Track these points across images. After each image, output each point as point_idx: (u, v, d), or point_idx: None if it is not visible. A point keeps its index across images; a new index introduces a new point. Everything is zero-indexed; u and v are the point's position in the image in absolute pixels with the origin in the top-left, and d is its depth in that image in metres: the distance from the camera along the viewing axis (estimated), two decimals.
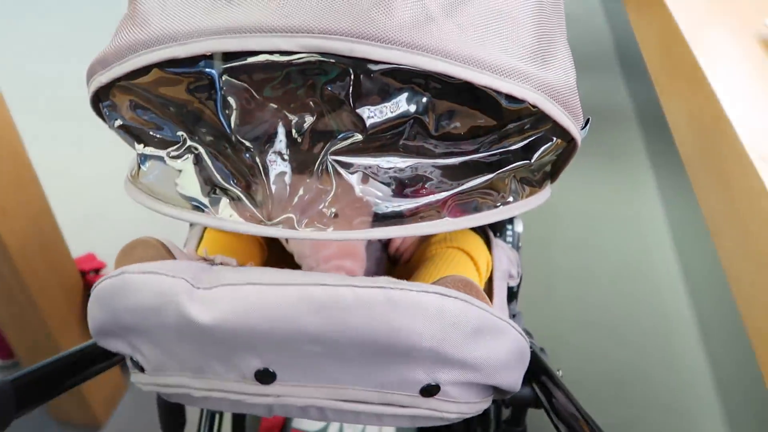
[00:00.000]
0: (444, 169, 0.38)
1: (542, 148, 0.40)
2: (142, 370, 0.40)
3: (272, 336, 0.34)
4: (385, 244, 0.60)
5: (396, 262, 0.63)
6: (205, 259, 0.49)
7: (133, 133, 0.42)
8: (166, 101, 0.39)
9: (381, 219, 0.38)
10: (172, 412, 0.60)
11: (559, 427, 0.41)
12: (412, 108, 0.36)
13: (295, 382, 0.37)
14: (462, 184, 0.38)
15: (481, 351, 0.36)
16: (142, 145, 0.41)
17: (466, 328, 0.35)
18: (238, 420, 0.81)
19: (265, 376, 0.36)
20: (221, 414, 0.78)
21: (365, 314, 0.33)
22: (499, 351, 0.37)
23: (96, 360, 0.47)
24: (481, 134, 0.38)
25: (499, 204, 0.40)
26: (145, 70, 0.37)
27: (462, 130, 0.37)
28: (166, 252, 0.44)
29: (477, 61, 0.34)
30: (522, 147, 0.39)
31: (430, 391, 0.37)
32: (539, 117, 0.38)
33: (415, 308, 0.33)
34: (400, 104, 0.36)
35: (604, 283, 1.42)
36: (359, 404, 0.38)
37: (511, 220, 0.64)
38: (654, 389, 1.20)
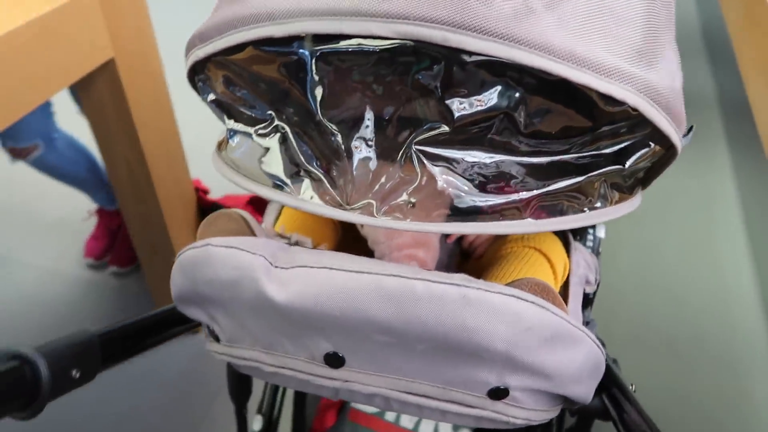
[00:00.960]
0: (530, 168, 0.37)
1: (638, 154, 0.38)
2: (217, 339, 0.41)
3: (343, 321, 0.34)
4: (460, 237, 0.59)
5: (469, 256, 0.62)
6: (281, 236, 0.50)
7: (224, 108, 0.43)
8: (258, 79, 0.39)
9: (459, 213, 0.37)
10: (240, 382, 0.63)
11: None
12: (504, 103, 0.35)
13: (363, 369, 0.37)
14: (548, 185, 0.37)
15: (555, 359, 0.35)
16: (232, 120, 0.43)
17: (541, 335, 0.33)
18: (300, 394, 0.83)
19: (333, 360, 0.37)
20: (284, 388, 0.80)
21: (437, 310, 0.33)
22: (573, 361, 0.36)
23: (175, 323, 0.50)
24: (573, 134, 0.36)
25: (585, 209, 0.38)
26: (240, 47, 0.38)
27: (553, 128, 0.36)
28: (246, 226, 0.45)
29: (577, 57, 0.32)
30: (616, 151, 0.37)
31: (498, 394, 0.36)
32: (638, 121, 0.36)
33: (490, 309, 0.32)
34: (491, 98, 0.34)
35: (668, 254, 1.44)
36: (424, 398, 0.37)
37: (593, 225, 0.61)
38: (707, 345, 1.21)
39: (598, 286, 0.58)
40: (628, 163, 0.38)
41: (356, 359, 0.37)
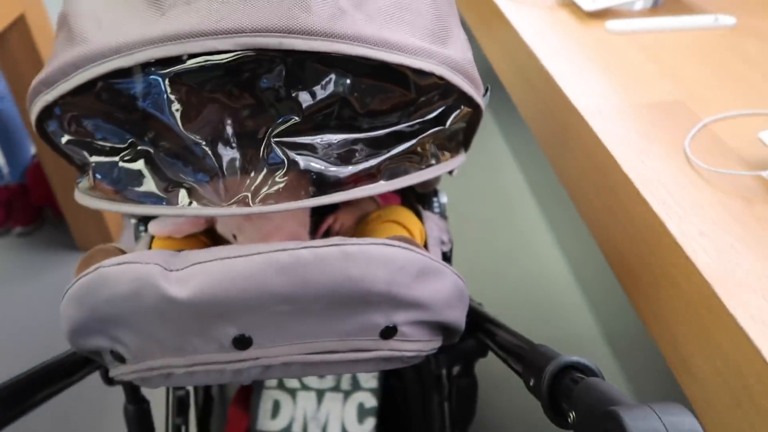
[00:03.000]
0: (372, 140, 0.44)
1: (453, 115, 0.47)
2: (122, 361, 0.43)
3: (245, 301, 0.38)
4: (327, 229, 0.65)
5: None
6: None
7: (82, 146, 0.45)
8: (112, 110, 0.42)
9: (322, 187, 0.43)
10: (139, 424, 0.62)
11: (507, 359, 0.47)
12: (339, 89, 0.41)
13: (270, 343, 0.41)
14: (389, 152, 0.44)
15: (427, 291, 0.42)
16: (94, 156, 0.44)
17: (412, 271, 0.40)
18: (203, 426, 0.83)
19: (241, 343, 0.41)
20: (186, 425, 0.80)
21: (324, 269, 0.38)
22: (442, 290, 0.43)
23: (72, 371, 0.49)
24: (400, 107, 0.44)
25: (423, 166, 0.47)
26: (89, 84, 0.40)
27: (384, 105, 0.43)
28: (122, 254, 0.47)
29: (388, 43, 0.40)
30: (436, 116, 0.46)
31: (389, 332, 0.42)
32: (446, 88, 0.44)
33: (368, 258, 0.39)
34: (328, 87, 0.41)
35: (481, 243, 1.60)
36: (329, 354, 0.42)
37: (435, 193, 0.71)
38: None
39: (452, 244, 0.68)
40: (447, 124, 0.47)
41: (262, 335, 0.41)
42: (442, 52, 0.43)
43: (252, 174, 0.42)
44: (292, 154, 0.42)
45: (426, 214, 0.64)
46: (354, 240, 0.39)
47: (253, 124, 0.42)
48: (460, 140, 0.53)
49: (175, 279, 0.38)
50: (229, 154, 0.42)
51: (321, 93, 0.41)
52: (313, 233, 0.63)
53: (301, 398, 0.69)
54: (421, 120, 0.45)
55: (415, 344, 0.45)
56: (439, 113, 0.46)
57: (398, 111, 0.44)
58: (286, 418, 0.69)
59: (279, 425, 0.68)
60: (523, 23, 0.86)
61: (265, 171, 0.42)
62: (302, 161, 0.42)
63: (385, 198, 0.69)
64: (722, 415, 0.45)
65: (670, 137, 0.62)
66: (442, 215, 0.71)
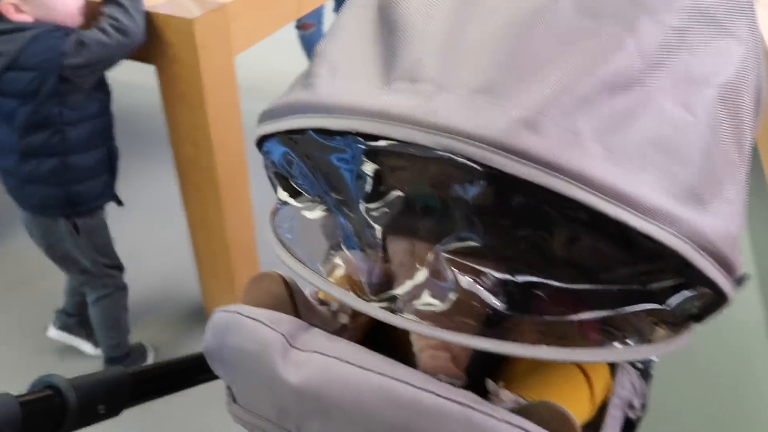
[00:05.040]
0: (562, 293, 0.36)
1: (681, 295, 0.36)
2: (234, 400, 0.43)
3: (347, 415, 0.35)
4: None
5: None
6: (322, 303, 0.51)
7: (279, 179, 0.46)
8: (312, 160, 0.42)
9: (487, 327, 0.36)
10: None
11: None
12: (538, 224, 0.34)
13: None
14: (579, 314, 0.36)
15: None
16: (285, 194, 0.45)
17: None
18: None
19: None
20: None
21: (438, 426, 0.32)
22: None
23: (205, 370, 0.52)
24: (607, 265, 0.35)
25: (618, 343, 0.37)
26: (300, 129, 0.40)
27: (587, 255, 0.35)
28: (286, 291, 0.47)
29: (617, 192, 0.31)
30: (656, 289, 0.35)
31: None
32: (682, 263, 0.34)
33: None
34: (526, 218, 0.34)
35: None
36: None
37: None
38: None
39: (644, 411, 0.55)
40: (669, 304, 0.36)
41: None
42: (690, 220, 0.32)
43: (411, 278, 0.37)
44: (459, 276, 0.36)
45: (624, 365, 0.53)
46: (486, 406, 0.32)
47: (431, 225, 0.37)
48: (686, 318, 0.40)
49: (293, 359, 0.37)
50: (397, 247, 0.38)
51: (513, 225, 0.34)
52: None
53: None
54: (632, 288, 0.36)
55: None
56: (662, 287, 0.36)
57: (604, 268, 0.35)
58: None
59: None
60: None
61: (426, 279, 0.37)
62: (468, 288, 0.36)
63: None
64: None
65: None
66: (645, 374, 0.57)
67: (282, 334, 0.37)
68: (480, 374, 0.41)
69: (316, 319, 0.49)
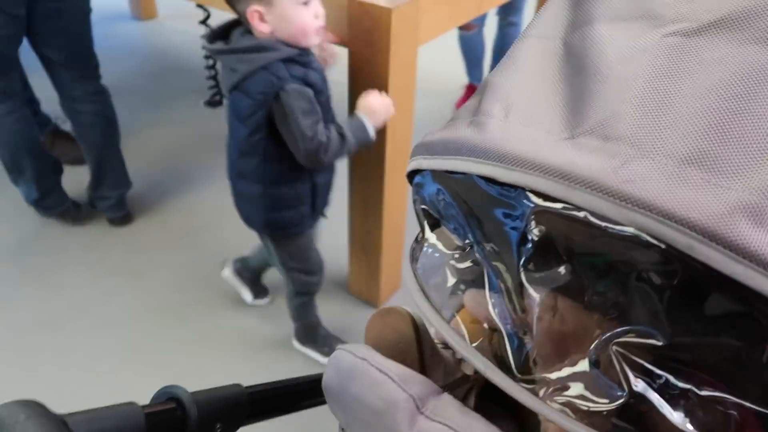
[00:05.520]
0: (756, 417, 0.29)
1: None
2: None
3: None
4: None
5: None
6: (445, 345, 0.48)
7: (428, 218, 0.42)
8: (471, 207, 0.38)
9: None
10: None
11: None
12: (743, 332, 0.28)
13: None
14: None
15: None
16: (433, 235, 0.41)
17: None
18: None
19: None
20: None
21: None
22: None
23: (322, 394, 0.50)
24: None
25: None
26: (462, 172, 0.36)
27: None
28: (413, 333, 0.44)
29: None
30: None
31: None
32: None
33: None
34: (728, 324, 0.28)
35: None
36: None
37: None
38: None
39: None
40: None
41: None
42: None
43: (568, 368, 0.32)
44: (630, 375, 0.30)
45: None
46: None
47: (597, 312, 0.31)
48: None
49: (420, 427, 0.33)
50: (550, 322, 0.33)
51: (710, 330, 0.28)
52: None
53: None
54: None
55: None
56: None
57: None
58: None
59: None
60: None
61: (582, 375, 0.32)
62: (645, 394, 0.30)
63: None
64: None
65: None
66: None
67: (412, 397, 0.34)
68: None
69: (439, 364, 0.46)
